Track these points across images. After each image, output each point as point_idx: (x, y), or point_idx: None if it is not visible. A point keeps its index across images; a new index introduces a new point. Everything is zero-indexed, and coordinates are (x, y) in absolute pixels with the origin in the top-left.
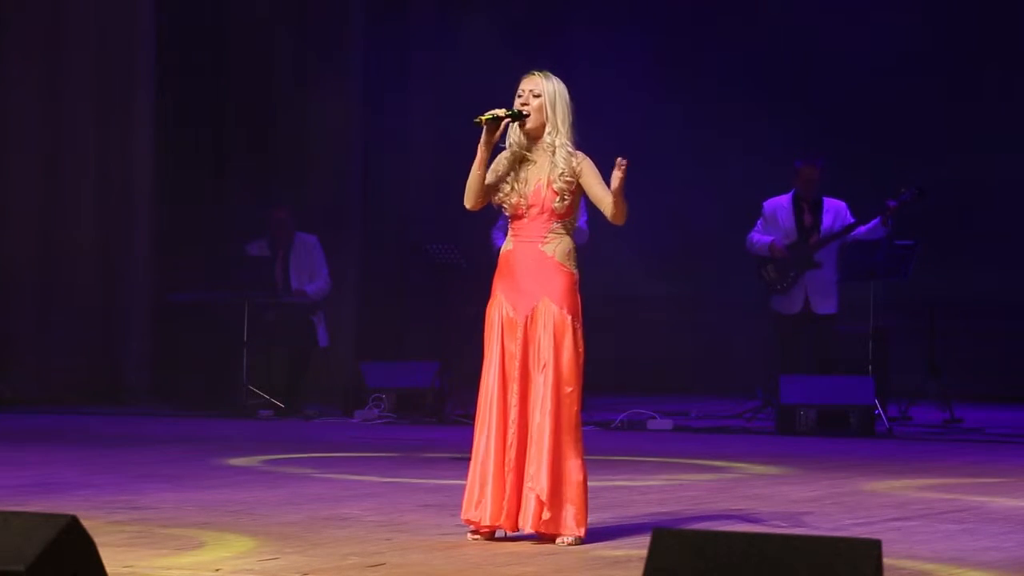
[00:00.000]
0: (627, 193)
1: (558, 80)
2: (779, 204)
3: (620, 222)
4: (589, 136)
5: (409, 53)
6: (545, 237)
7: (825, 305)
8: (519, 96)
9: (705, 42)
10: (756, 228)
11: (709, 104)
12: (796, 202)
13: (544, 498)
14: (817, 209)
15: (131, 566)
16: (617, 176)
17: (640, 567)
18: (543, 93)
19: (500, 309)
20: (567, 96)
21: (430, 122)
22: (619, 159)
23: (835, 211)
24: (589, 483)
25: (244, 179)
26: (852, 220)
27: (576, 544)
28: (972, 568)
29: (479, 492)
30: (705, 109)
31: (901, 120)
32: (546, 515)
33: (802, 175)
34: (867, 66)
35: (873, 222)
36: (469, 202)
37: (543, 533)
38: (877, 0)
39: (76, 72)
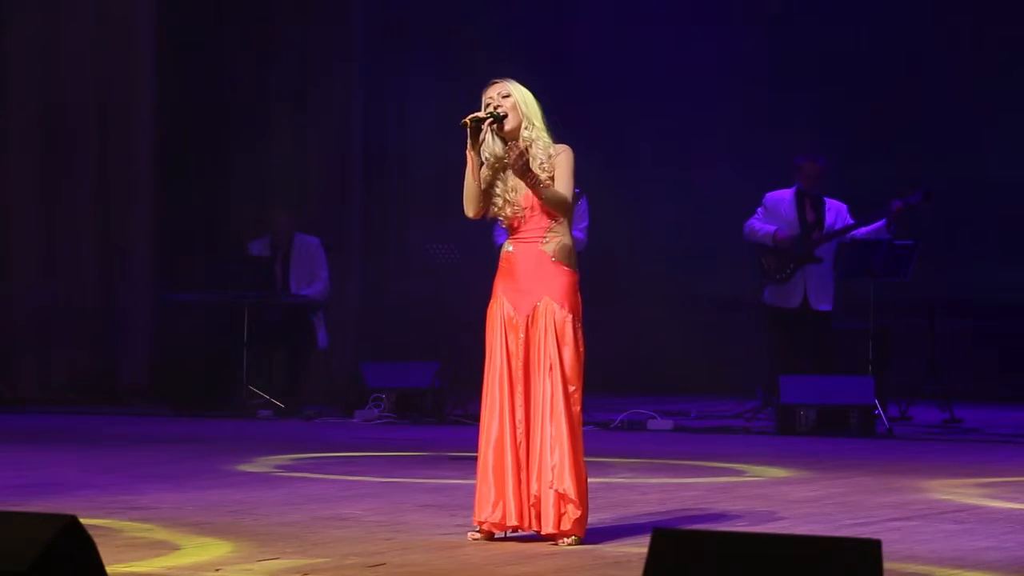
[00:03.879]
0: (628, 194)
1: (522, 86)
2: (781, 197)
3: (560, 212)
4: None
5: (410, 52)
6: (544, 237)
7: (823, 302)
8: (487, 105)
9: (701, 41)
10: (756, 216)
11: (707, 103)
12: (799, 197)
13: (573, 496)
14: (819, 206)
15: (131, 566)
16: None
17: (640, 567)
18: (512, 93)
19: (501, 309)
20: (534, 98)
21: (431, 122)
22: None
23: (836, 211)
24: (589, 483)
25: (244, 179)
26: (852, 221)
27: (576, 544)
28: (972, 568)
29: (495, 493)
30: (703, 109)
31: (901, 119)
32: (575, 513)
33: (804, 172)
34: (867, 65)
35: (878, 224)
36: (469, 211)
37: (562, 532)
38: (879, 0)
39: (76, 73)
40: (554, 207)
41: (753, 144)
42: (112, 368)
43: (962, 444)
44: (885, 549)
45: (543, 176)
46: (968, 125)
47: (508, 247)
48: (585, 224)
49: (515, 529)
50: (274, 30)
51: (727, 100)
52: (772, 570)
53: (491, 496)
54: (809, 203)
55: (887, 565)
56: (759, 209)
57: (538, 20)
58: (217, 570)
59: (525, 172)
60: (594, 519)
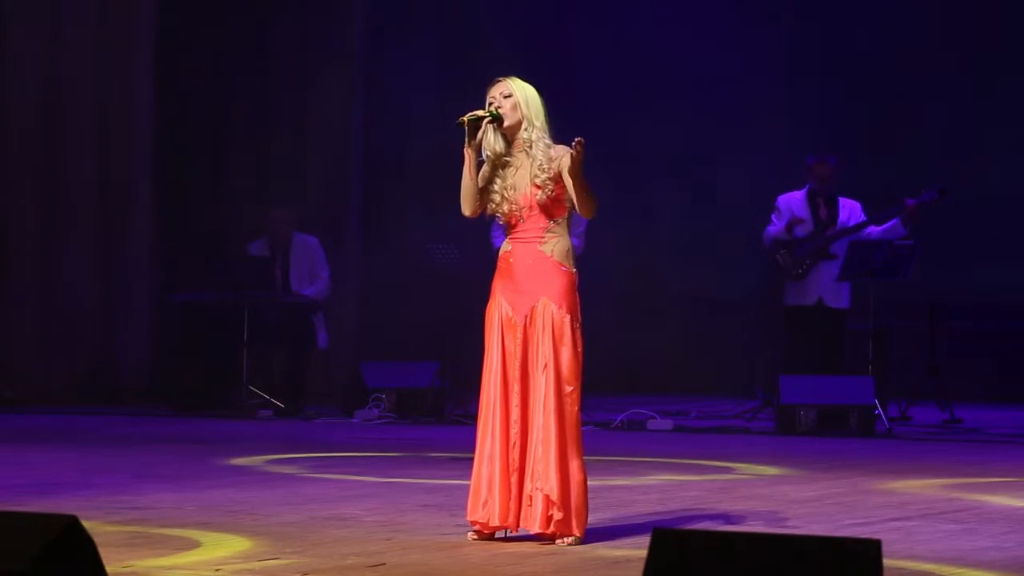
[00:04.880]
0: (629, 194)
1: (526, 84)
2: (793, 198)
3: (588, 213)
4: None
5: (410, 52)
6: (543, 237)
7: (839, 300)
8: (489, 103)
9: (702, 41)
10: (771, 223)
11: (708, 103)
12: (811, 196)
13: (555, 498)
14: (833, 205)
15: (131, 566)
16: (571, 154)
17: (640, 567)
18: (513, 93)
19: (499, 309)
20: (538, 97)
21: (431, 122)
22: (576, 139)
23: (850, 209)
24: (589, 483)
25: (244, 179)
26: (865, 218)
27: (576, 544)
28: (972, 568)
29: (486, 493)
30: (704, 108)
31: (901, 119)
32: (557, 515)
33: (815, 172)
34: (867, 65)
35: (892, 222)
36: (466, 209)
37: (550, 533)
38: (878, 0)
39: (76, 73)
40: (586, 206)
41: (754, 144)
42: (112, 368)
43: (962, 444)
44: (885, 549)
45: (543, 177)
46: (968, 125)
47: (507, 247)
48: (583, 229)
49: (505, 529)
50: (274, 30)
51: (728, 100)
52: (772, 570)
53: (481, 496)
54: (822, 202)
55: (887, 565)
56: (773, 215)
57: (538, 20)
58: (217, 570)
59: (580, 170)
60: (594, 519)
